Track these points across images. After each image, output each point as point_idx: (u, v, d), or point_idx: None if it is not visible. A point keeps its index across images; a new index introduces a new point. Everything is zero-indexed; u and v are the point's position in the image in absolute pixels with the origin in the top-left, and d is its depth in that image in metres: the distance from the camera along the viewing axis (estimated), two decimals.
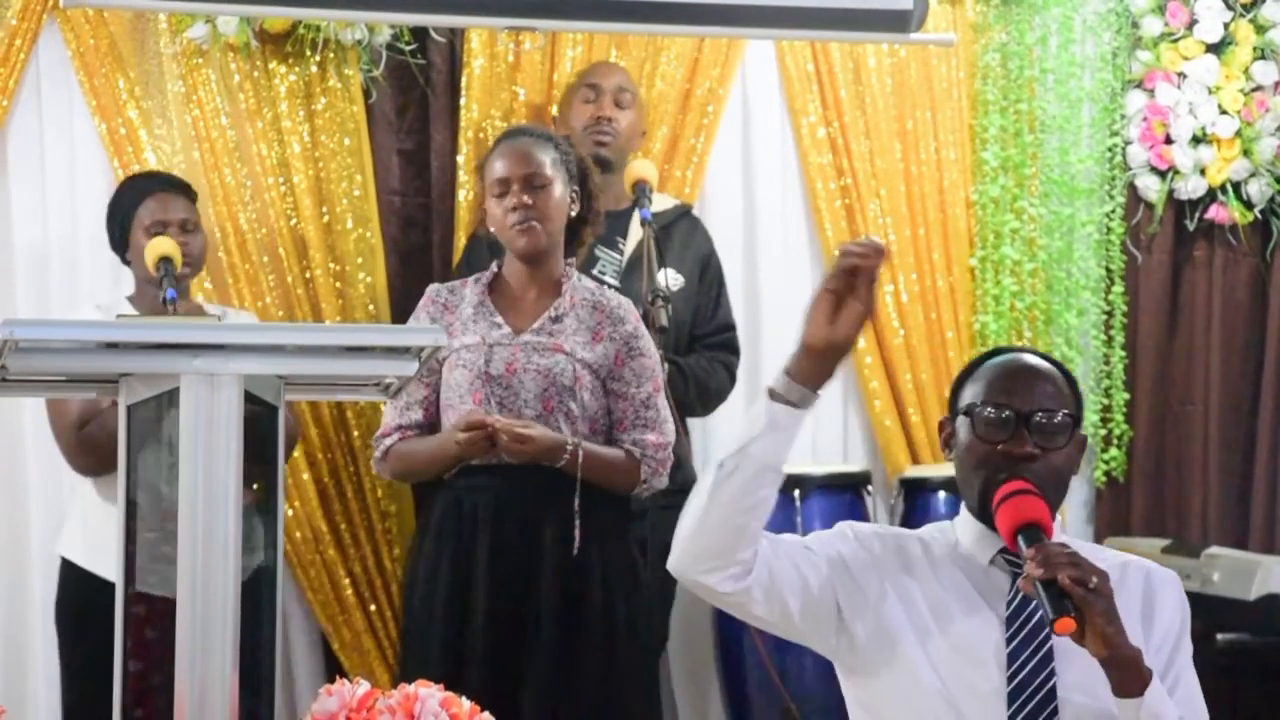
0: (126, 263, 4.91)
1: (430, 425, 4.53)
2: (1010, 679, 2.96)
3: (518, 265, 4.54)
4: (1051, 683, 2.95)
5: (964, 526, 3.09)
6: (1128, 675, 2.84)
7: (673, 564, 3.00)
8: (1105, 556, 3.09)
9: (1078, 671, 2.92)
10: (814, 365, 2.86)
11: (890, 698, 3.01)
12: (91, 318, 4.65)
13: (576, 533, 4.40)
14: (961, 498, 3.11)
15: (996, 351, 3.20)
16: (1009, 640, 2.98)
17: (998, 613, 3.00)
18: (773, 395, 2.87)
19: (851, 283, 2.85)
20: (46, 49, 5.24)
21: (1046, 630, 2.93)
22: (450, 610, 4.43)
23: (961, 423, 3.05)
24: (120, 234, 4.86)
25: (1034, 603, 2.91)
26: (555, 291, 4.54)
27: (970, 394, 3.06)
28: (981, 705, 2.96)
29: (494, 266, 4.61)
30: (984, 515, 3.02)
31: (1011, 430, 2.99)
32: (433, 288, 4.61)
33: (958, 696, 2.96)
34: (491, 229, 4.58)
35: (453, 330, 4.48)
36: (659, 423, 4.52)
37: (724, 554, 2.95)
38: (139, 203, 4.84)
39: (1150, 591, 3.07)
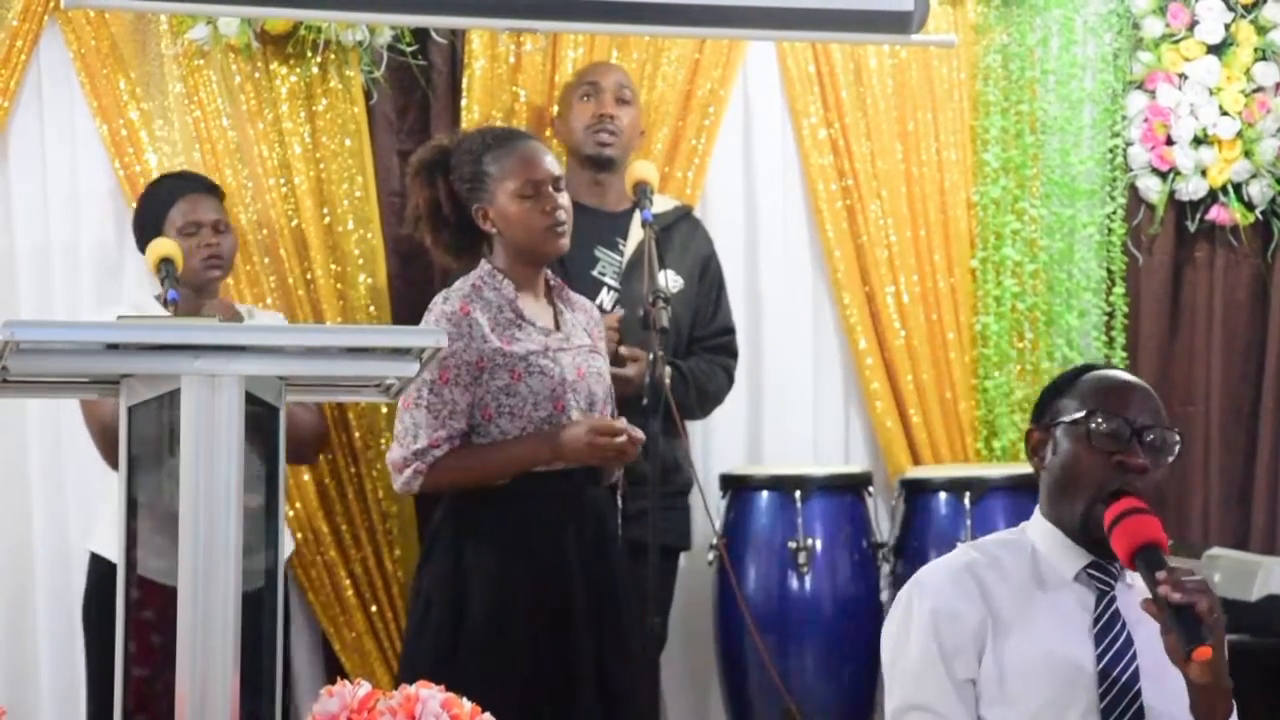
0: None
1: (468, 434, 4.38)
2: (1103, 696, 2.97)
3: (527, 270, 4.46)
4: (1141, 699, 2.97)
5: (1044, 538, 3.07)
6: (1220, 705, 2.89)
7: None
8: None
9: (1162, 685, 2.94)
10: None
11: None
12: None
13: (620, 520, 4.47)
14: (1046, 508, 3.09)
15: (1089, 367, 3.20)
16: (1099, 657, 2.99)
17: (1085, 629, 3.01)
18: None
19: None
20: (48, 50, 5.24)
21: (1134, 648, 2.96)
22: (541, 624, 4.32)
23: (1069, 432, 3.04)
24: (151, 234, 4.86)
25: (1120, 621, 2.97)
26: (547, 291, 4.52)
27: (1075, 405, 3.05)
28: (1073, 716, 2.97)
29: (494, 270, 4.44)
30: (1081, 527, 3.01)
31: (1125, 441, 3.00)
32: (456, 295, 4.39)
33: (1052, 709, 2.97)
34: (491, 229, 4.45)
35: (506, 338, 4.36)
36: None
37: None
38: (171, 204, 4.88)
39: None
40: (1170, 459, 3.04)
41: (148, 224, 4.91)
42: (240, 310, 4.90)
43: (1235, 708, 2.90)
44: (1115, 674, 2.97)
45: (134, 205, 5.07)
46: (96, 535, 4.85)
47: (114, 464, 4.67)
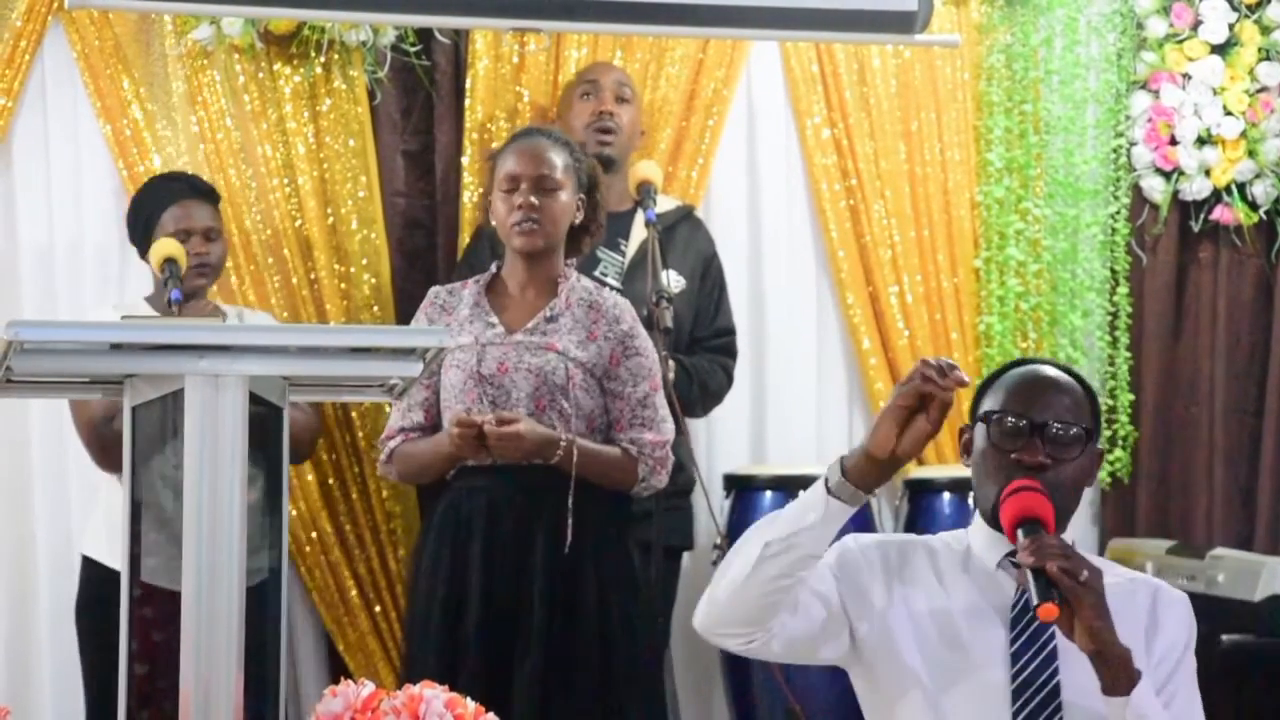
0: (146, 260, 4.90)
1: (432, 426, 4.55)
2: (1014, 678, 2.98)
3: (517, 264, 4.55)
4: (1055, 681, 2.98)
5: (976, 532, 3.12)
6: (1115, 672, 2.87)
7: (700, 624, 3.05)
8: (1117, 571, 3.12)
9: (1082, 674, 2.93)
10: (873, 471, 2.91)
11: (889, 704, 3.04)
12: (109, 318, 4.65)
13: (569, 530, 4.41)
14: (975, 503, 3.14)
15: (1020, 363, 3.22)
16: (1013, 640, 3.00)
17: (1003, 616, 3.03)
18: (829, 490, 2.88)
19: (924, 403, 2.86)
20: (51, 50, 5.25)
21: (1050, 631, 2.96)
22: (446, 609, 4.45)
23: (979, 430, 3.09)
24: (143, 235, 4.86)
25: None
26: (553, 291, 4.54)
27: (989, 403, 3.10)
28: (984, 705, 2.98)
29: (493, 267, 4.61)
30: (995, 520, 3.03)
31: (1025, 439, 3.03)
32: (433, 290, 4.63)
33: (955, 704, 2.99)
34: (494, 222, 4.58)
35: (450, 332, 4.47)
36: (657, 421, 4.52)
37: (754, 623, 3.00)
38: (164, 207, 4.85)
39: (1156, 608, 3.09)
40: (1079, 453, 3.04)
41: (139, 226, 4.88)
42: (229, 312, 4.88)
43: (1146, 681, 2.87)
44: (1027, 659, 2.99)
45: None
46: (87, 537, 4.84)
47: (102, 465, 4.69)
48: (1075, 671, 2.96)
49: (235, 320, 4.89)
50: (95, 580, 4.75)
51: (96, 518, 4.83)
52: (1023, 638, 3.01)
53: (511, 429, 4.37)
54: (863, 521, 5.38)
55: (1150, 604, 3.08)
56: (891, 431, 2.88)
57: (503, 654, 4.40)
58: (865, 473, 2.90)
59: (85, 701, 4.83)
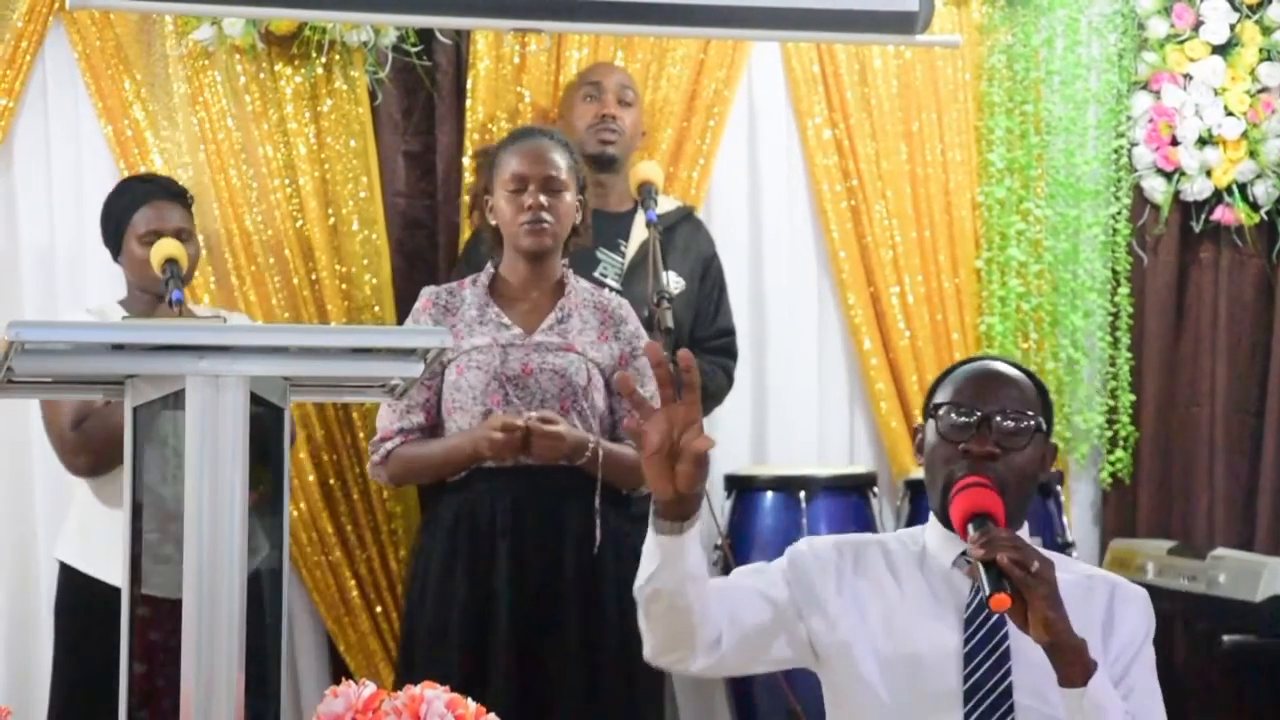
0: (120, 263, 4.89)
1: (430, 428, 4.52)
2: (966, 678, 2.99)
3: (519, 265, 4.54)
4: (1007, 683, 2.99)
5: (931, 530, 3.13)
6: (1071, 663, 2.87)
7: (648, 656, 3.03)
8: (1075, 568, 3.12)
9: (1035, 676, 2.94)
10: (677, 507, 2.85)
11: (844, 702, 3.06)
12: (83, 320, 4.64)
13: (598, 531, 4.41)
14: (929, 498, 3.14)
15: (971, 360, 3.23)
16: (966, 640, 3.02)
17: (957, 616, 3.04)
18: (656, 529, 2.86)
19: (667, 396, 2.79)
20: (53, 51, 5.25)
21: (1004, 631, 2.98)
22: (469, 617, 4.40)
23: (928, 425, 3.10)
24: (114, 237, 4.83)
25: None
26: (556, 291, 4.55)
27: (939, 397, 3.11)
28: (937, 706, 2.99)
29: (489, 266, 4.60)
30: (941, 514, 3.06)
31: (974, 431, 3.04)
32: (429, 290, 4.59)
33: (908, 704, 3.00)
34: (493, 222, 4.57)
35: (457, 332, 4.47)
36: None
37: (686, 641, 2.98)
38: (134, 209, 4.80)
39: (1113, 604, 3.09)
40: (1026, 441, 3.05)
41: (111, 228, 4.85)
42: (203, 314, 4.85)
43: (1103, 672, 2.88)
44: (979, 659, 3.00)
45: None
46: (61, 543, 4.82)
47: (72, 469, 4.68)
48: (1028, 673, 2.97)
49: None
50: (70, 586, 4.73)
51: (70, 523, 4.82)
52: (976, 638, 3.01)
53: (555, 429, 4.37)
54: (863, 520, 5.39)
55: (1108, 600, 3.08)
56: (663, 481, 2.81)
57: (535, 655, 4.38)
58: (673, 511, 2.85)
59: (50, 704, 4.80)
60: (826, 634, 3.05)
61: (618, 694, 4.44)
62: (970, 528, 2.92)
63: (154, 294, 4.76)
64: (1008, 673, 2.99)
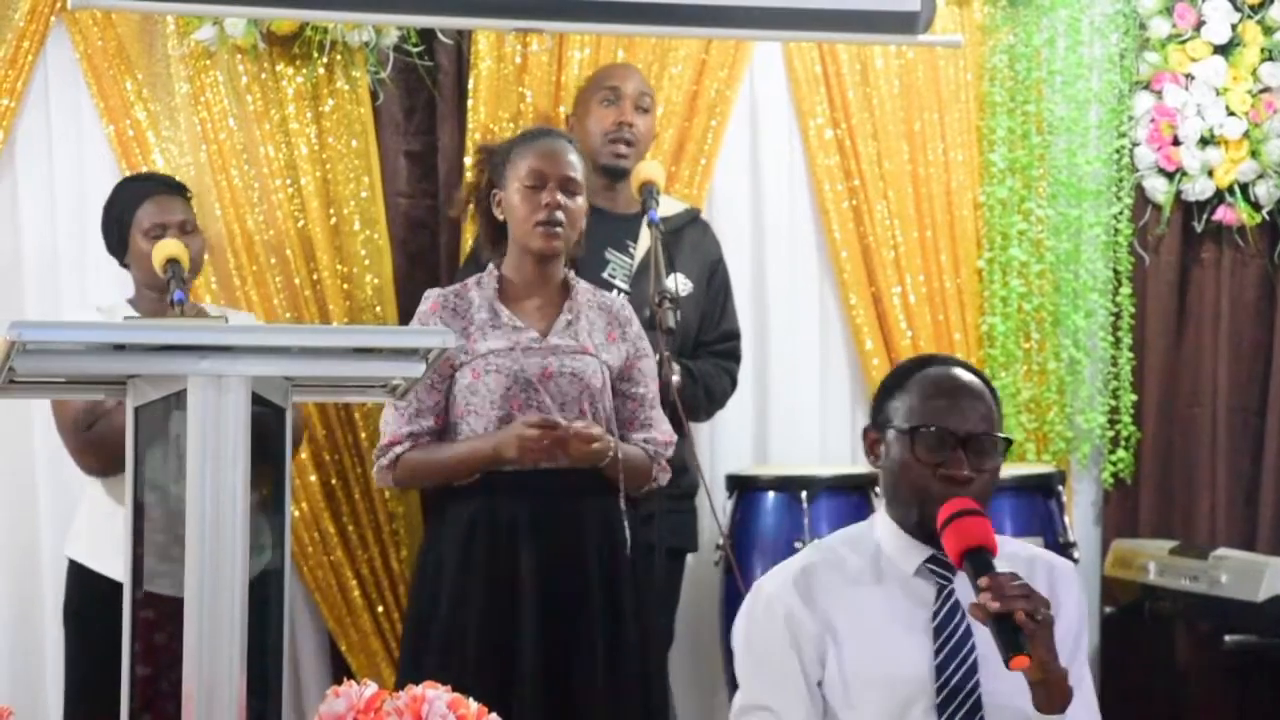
0: (125, 266, 4.89)
1: (440, 432, 4.47)
2: (938, 691, 3.02)
3: (526, 265, 4.50)
4: (977, 693, 3.03)
5: (887, 534, 3.13)
6: (1054, 694, 2.92)
7: None
8: (1015, 550, 3.14)
9: (1001, 681, 2.98)
10: None
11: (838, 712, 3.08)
12: (93, 319, 4.64)
13: (627, 533, 4.39)
14: (887, 506, 3.15)
15: (924, 361, 3.22)
16: (937, 651, 3.04)
17: (925, 626, 3.06)
18: None
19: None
20: (54, 51, 5.25)
21: (971, 641, 3.02)
22: (489, 620, 4.35)
23: (897, 439, 3.09)
24: (119, 237, 4.84)
25: (959, 614, 3.02)
26: (562, 292, 4.53)
27: (904, 409, 3.10)
28: (913, 716, 3.02)
29: (492, 268, 4.54)
30: (920, 529, 3.06)
31: (949, 453, 3.05)
32: (435, 293, 4.53)
33: (884, 713, 3.03)
34: (500, 217, 4.51)
35: (469, 336, 4.43)
36: (660, 421, 4.54)
37: None
38: (137, 205, 4.81)
39: (1055, 588, 3.13)
40: (997, 462, 3.08)
41: (114, 226, 4.86)
42: (212, 313, 4.87)
43: (1075, 692, 2.94)
44: (951, 669, 3.03)
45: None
46: (70, 541, 4.83)
47: (84, 467, 4.68)
48: (994, 679, 3.00)
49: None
50: (80, 582, 4.74)
51: (79, 521, 4.82)
52: (946, 648, 3.04)
53: (594, 431, 4.34)
54: (865, 520, 5.39)
55: (1049, 582, 3.11)
56: None
57: (562, 659, 4.35)
58: None
59: (65, 703, 4.81)
60: (827, 677, 3.08)
61: (635, 696, 4.43)
62: (969, 566, 2.94)
63: (158, 290, 4.77)
64: (978, 684, 3.03)
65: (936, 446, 3.04)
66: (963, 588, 3.05)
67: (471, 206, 4.66)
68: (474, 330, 4.43)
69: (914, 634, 3.05)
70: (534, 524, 4.36)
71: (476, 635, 4.35)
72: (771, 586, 3.14)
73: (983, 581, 2.90)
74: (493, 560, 4.37)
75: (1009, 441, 3.11)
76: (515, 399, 4.40)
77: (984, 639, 2.98)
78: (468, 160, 5.43)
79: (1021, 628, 2.85)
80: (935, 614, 3.05)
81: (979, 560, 2.94)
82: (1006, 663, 2.86)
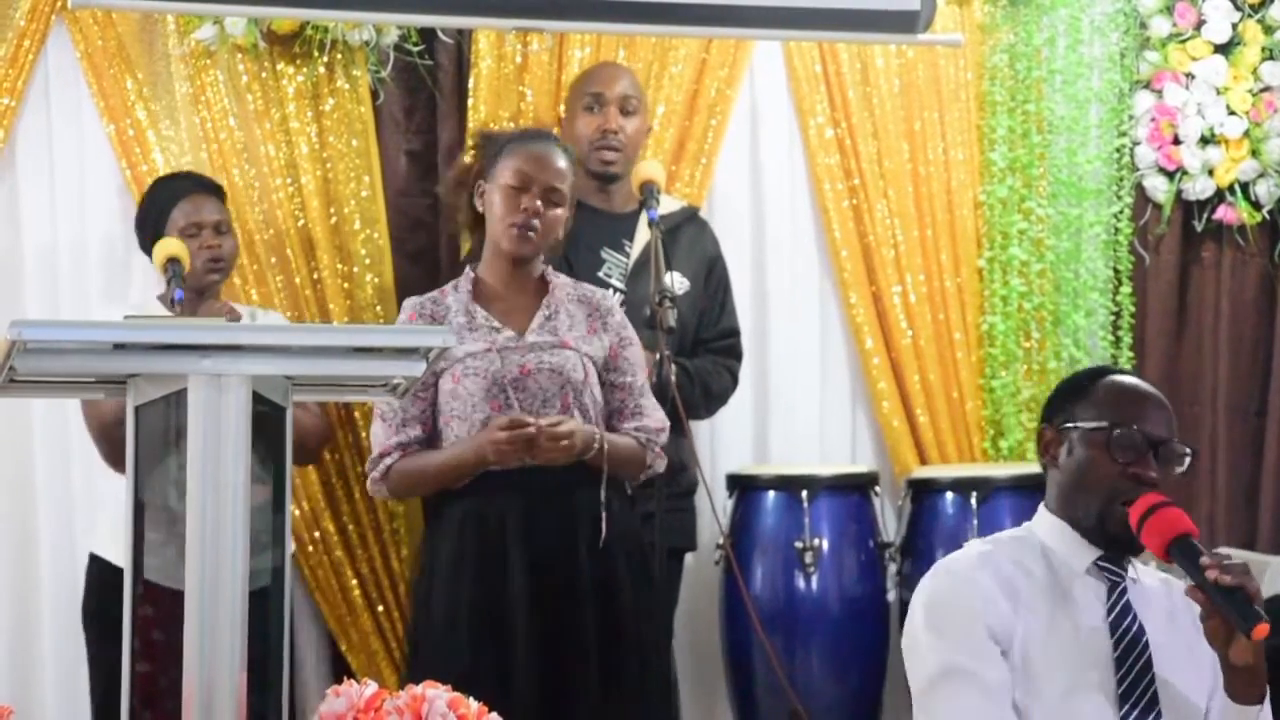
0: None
1: (427, 440, 4.47)
2: (1120, 682, 3.05)
3: (501, 265, 4.49)
4: (1154, 688, 3.06)
5: (1053, 534, 3.16)
6: (1251, 682, 2.96)
7: None
8: (1151, 573, 3.20)
9: (1174, 676, 3.04)
10: None
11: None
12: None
13: (604, 526, 4.39)
14: (1056, 505, 3.17)
15: (1102, 370, 3.30)
16: (1116, 644, 3.07)
17: (1099, 617, 3.09)
18: None
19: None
20: (55, 50, 5.25)
21: (1145, 638, 3.05)
22: (478, 614, 4.36)
23: (1085, 438, 3.12)
24: (154, 237, 4.85)
25: (1131, 612, 3.07)
26: (539, 290, 4.52)
27: (1093, 412, 3.14)
28: (1099, 712, 3.03)
29: (468, 270, 4.54)
30: (1098, 525, 3.10)
31: (1140, 454, 3.10)
32: (412, 302, 4.52)
33: (1074, 710, 3.04)
34: (479, 208, 4.51)
35: (452, 333, 4.42)
36: (653, 408, 4.54)
37: None
38: (172, 205, 4.86)
39: (1189, 609, 3.15)
40: (1180, 470, 3.15)
41: (149, 224, 4.90)
42: (242, 312, 4.89)
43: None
44: (1130, 661, 3.05)
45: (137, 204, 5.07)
46: (96, 535, 4.84)
47: (114, 465, 4.69)
48: (1171, 673, 3.05)
49: (248, 320, 4.89)
50: (104, 580, 4.74)
51: (104, 516, 4.83)
52: (1123, 643, 3.07)
53: (564, 429, 4.35)
54: (865, 520, 5.39)
55: (1186, 605, 3.15)
56: None
57: (555, 653, 4.35)
58: None
59: (92, 699, 4.83)
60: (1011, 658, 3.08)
61: (633, 692, 4.43)
62: (1177, 551, 3.00)
63: (193, 289, 4.79)
64: (1153, 678, 3.06)
65: (1131, 447, 3.09)
66: (1132, 587, 3.12)
67: (459, 190, 4.65)
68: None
69: (1092, 630, 3.08)
70: (525, 520, 4.37)
71: (466, 628, 4.37)
72: (961, 563, 3.15)
73: (1205, 560, 2.95)
74: (482, 555, 4.39)
75: (1195, 452, 3.17)
76: (495, 400, 4.40)
77: (1154, 636, 3.04)
78: (467, 160, 5.43)
79: (1254, 599, 2.89)
80: (1110, 610, 3.09)
81: (1188, 546, 3.00)
82: (1248, 633, 2.88)
